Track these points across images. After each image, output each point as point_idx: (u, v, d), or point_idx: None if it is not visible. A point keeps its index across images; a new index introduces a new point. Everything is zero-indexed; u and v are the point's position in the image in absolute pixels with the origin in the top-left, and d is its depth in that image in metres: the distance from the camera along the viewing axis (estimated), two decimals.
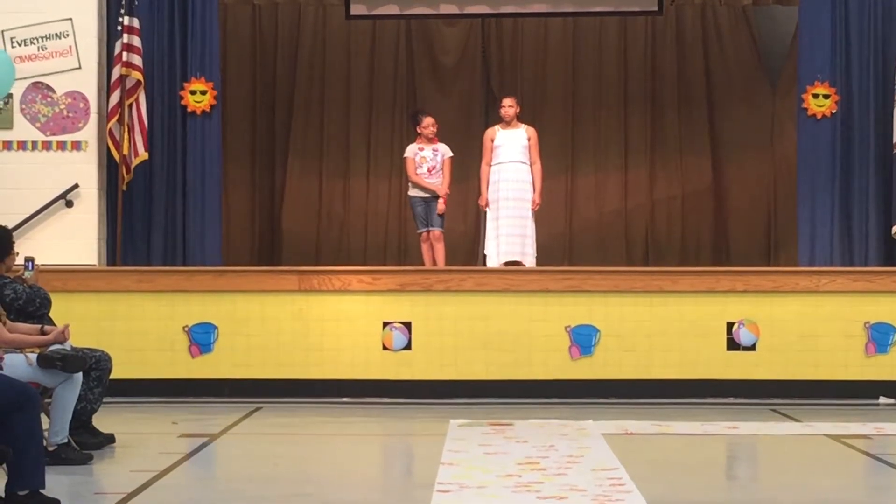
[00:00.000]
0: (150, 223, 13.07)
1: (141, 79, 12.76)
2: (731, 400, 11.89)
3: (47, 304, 8.92)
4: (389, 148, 15.97)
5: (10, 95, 12.54)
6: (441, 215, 13.09)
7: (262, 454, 9.10)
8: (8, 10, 12.73)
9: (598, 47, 16.30)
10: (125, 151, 12.73)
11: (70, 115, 12.80)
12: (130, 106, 12.75)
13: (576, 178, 16.20)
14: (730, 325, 12.02)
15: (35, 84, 12.79)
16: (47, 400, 8.22)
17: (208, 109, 13.09)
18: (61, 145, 12.78)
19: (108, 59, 12.92)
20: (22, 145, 12.77)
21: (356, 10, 14.50)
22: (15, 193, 12.58)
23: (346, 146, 16.24)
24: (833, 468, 8.58)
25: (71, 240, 12.63)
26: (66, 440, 8.21)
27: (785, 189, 15.12)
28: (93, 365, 8.70)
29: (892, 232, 12.83)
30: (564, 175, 16.02)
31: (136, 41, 12.76)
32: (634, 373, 12.02)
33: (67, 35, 12.79)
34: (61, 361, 8.05)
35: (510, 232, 12.80)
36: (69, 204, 12.72)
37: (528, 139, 12.98)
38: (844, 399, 11.81)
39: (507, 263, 12.74)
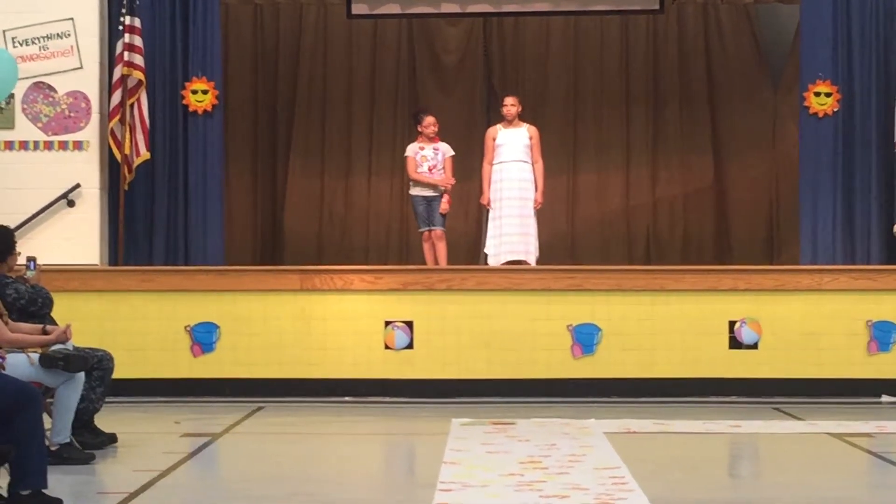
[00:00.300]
0: (152, 223, 13.07)
1: (142, 78, 12.76)
2: (734, 398, 11.88)
3: (49, 303, 8.92)
4: (391, 147, 15.96)
5: (11, 95, 12.54)
6: (443, 214, 13.08)
7: (264, 453, 9.10)
8: (9, 9, 12.73)
9: (599, 46, 16.30)
10: (127, 151, 12.73)
11: (72, 114, 12.81)
12: (132, 105, 12.75)
13: (577, 177, 16.19)
14: (732, 324, 12.02)
15: (37, 84, 12.79)
16: (49, 400, 8.22)
17: (210, 109, 13.09)
18: (63, 145, 12.79)
19: (110, 58, 12.92)
20: (24, 145, 12.77)
21: (357, 9, 14.49)
22: (17, 193, 12.58)
23: (348, 145, 16.24)
24: (835, 466, 8.58)
25: (73, 239, 12.64)
26: (68, 440, 8.21)
27: (787, 187, 15.11)
28: (95, 364, 8.70)
29: (894, 230, 12.83)
30: (566, 174, 16.02)
31: (138, 41, 12.76)
32: (636, 371, 12.02)
33: (69, 35, 12.79)
34: (63, 361, 8.05)
35: (512, 231, 12.80)
36: (71, 204, 12.72)
37: (530, 138, 12.98)
38: (847, 397, 11.80)
39: (509, 262, 12.74)
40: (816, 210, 13.00)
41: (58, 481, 6.94)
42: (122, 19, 12.74)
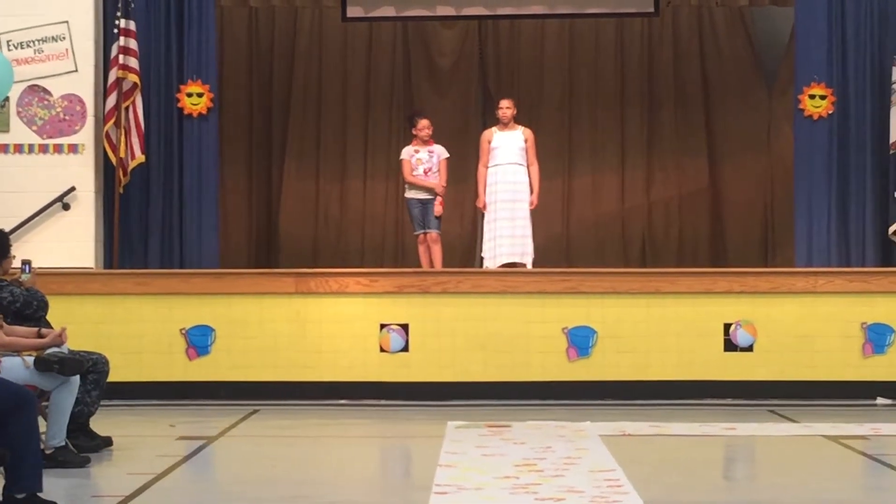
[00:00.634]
0: (147, 226, 13.07)
1: (137, 81, 12.76)
2: (729, 401, 11.89)
3: (44, 306, 8.91)
4: (386, 150, 15.97)
5: (7, 98, 12.54)
6: (438, 217, 13.09)
7: (259, 456, 9.10)
8: (4, 13, 12.73)
9: (594, 49, 16.32)
10: (122, 154, 12.73)
11: (67, 117, 12.80)
12: (127, 109, 12.74)
13: (573, 180, 16.21)
14: (727, 326, 12.03)
15: (32, 87, 12.79)
16: (45, 403, 8.21)
17: (205, 112, 13.09)
18: (58, 148, 12.78)
19: (105, 61, 12.92)
20: (19, 148, 12.76)
21: (353, 12, 14.49)
22: (12, 196, 12.58)
23: (343, 148, 16.25)
24: (830, 469, 8.58)
25: (68, 242, 12.63)
26: (63, 443, 8.20)
27: (782, 190, 15.13)
28: (90, 368, 8.70)
29: (890, 232, 12.84)
30: (561, 176, 16.03)
31: (133, 44, 12.76)
32: (632, 374, 12.02)
33: (64, 38, 12.79)
34: (58, 364, 8.05)
35: (507, 233, 12.80)
36: (66, 207, 12.72)
37: (526, 140, 12.99)
38: (842, 400, 11.81)
39: (505, 265, 12.74)
40: (811, 212, 13.02)
41: (53, 485, 6.94)
42: (117, 22, 12.73)
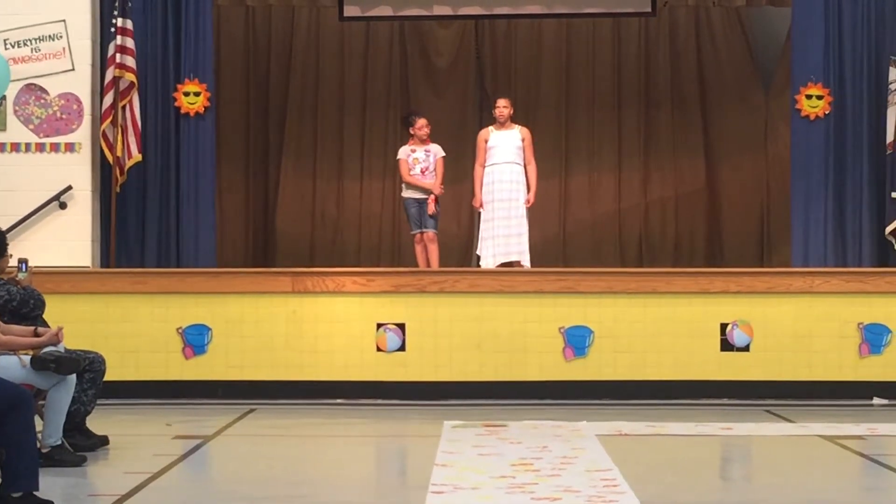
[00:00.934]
0: (144, 225, 13.06)
1: (134, 80, 12.76)
2: (725, 401, 11.89)
3: (41, 305, 8.91)
4: (383, 149, 15.98)
5: (3, 97, 12.53)
6: (434, 216, 13.08)
7: (256, 456, 9.09)
8: (1, 11, 12.72)
9: (591, 48, 16.32)
10: (119, 153, 12.72)
11: (63, 116, 12.80)
12: (124, 108, 12.74)
13: (569, 180, 16.22)
14: (723, 326, 12.03)
15: (28, 86, 12.78)
16: (41, 402, 8.21)
17: (202, 111, 13.09)
18: (55, 147, 12.78)
19: (102, 60, 12.91)
20: (15, 147, 12.76)
21: (350, 11, 14.49)
22: (8, 195, 12.58)
23: (340, 147, 16.25)
24: (827, 469, 8.58)
25: (64, 241, 12.63)
26: (59, 442, 8.20)
27: (778, 190, 15.14)
28: (86, 367, 8.69)
29: (886, 232, 12.85)
30: (558, 176, 16.03)
31: (130, 43, 12.76)
32: (628, 374, 12.03)
33: (61, 37, 12.78)
34: (55, 363, 8.04)
35: (504, 233, 12.80)
36: (63, 206, 12.71)
37: (522, 140, 12.99)
38: (838, 400, 11.82)
39: (502, 264, 12.74)
40: (808, 212, 13.02)
41: (49, 483, 6.93)
42: (114, 21, 12.73)
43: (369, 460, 9.57)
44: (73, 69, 12.82)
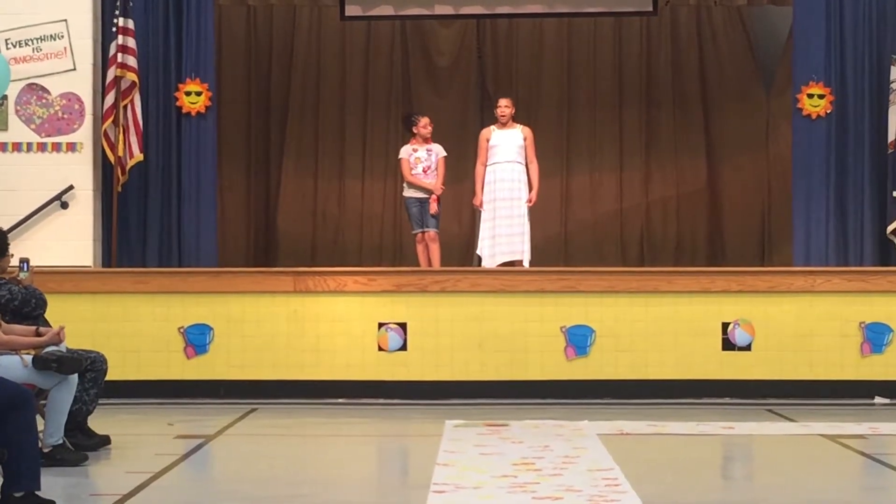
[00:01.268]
0: (146, 224, 13.06)
1: (136, 80, 12.75)
2: (727, 400, 11.89)
3: (43, 305, 8.91)
4: (384, 149, 15.97)
5: (4, 97, 12.54)
6: (435, 216, 13.08)
7: (257, 455, 9.10)
8: (2, 11, 12.72)
9: (592, 48, 16.32)
10: (120, 153, 12.72)
11: (65, 116, 12.80)
12: (125, 107, 12.74)
13: (571, 179, 16.21)
14: (725, 326, 12.03)
15: (30, 85, 12.78)
16: (42, 401, 8.21)
17: (203, 111, 13.08)
18: (56, 147, 12.78)
19: (103, 60, 12.91)
20: (17, 147, 12.76)
21: (351, 11, 14.49)
22: (10, 195, 12.58)
23: (341, 147, 16.25)
24: (828, 468, 8.58)
25: (66, 241, 12.63)
26: (61, 441, 8.20)
27: (780, 189, 15.13)
28: (88, 366, 8.69)
29: (888, 231, 12.84)
30: (559, 176, 16.02)
31: (131, 42, 12.75)
32: (630, 373, 12.02)
33: (62, 36, 12.78)
34: (57, 363, 8.05)
35: (505, 232, 12.80)
36: (64, 205, 12.71)
37: (525, 139, 12.99)
38: (840, 399, 11.82)
39: (503, 264, 12.74)
40: (809, 211, 13.02)
41: (51, 483, 6.93)
42: (115, 21, 12.73)
43: (371, 460, 9.57)
44: (74, 69, 12.81)
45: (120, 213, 12.90)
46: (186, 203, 13.06)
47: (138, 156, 12.80)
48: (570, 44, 16.35)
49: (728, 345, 12.02)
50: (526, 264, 12.75)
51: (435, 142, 13.30)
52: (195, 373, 12.05)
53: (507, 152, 12.92)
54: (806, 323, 12.00)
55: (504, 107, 13.09)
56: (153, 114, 13.09)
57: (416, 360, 12.04)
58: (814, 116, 13.05)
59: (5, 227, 9.77)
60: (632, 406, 11.55)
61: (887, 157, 12.91)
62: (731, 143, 16.10)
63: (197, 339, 12.06)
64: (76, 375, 8.28)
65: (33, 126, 12.79)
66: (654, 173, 16.22)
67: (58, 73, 12.80)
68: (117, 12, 12.71)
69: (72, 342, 8.70)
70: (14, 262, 8.99)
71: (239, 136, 15.96)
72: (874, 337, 12.00)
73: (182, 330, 12.06)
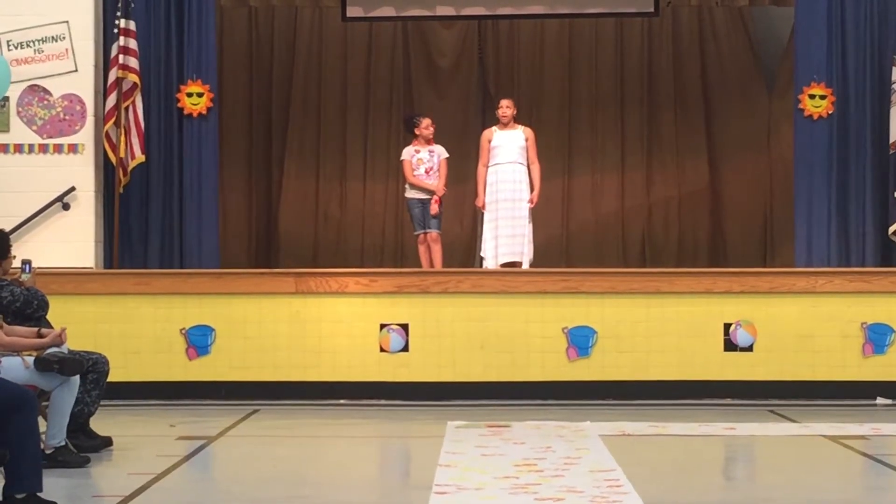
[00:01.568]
0: (147, 226, 13.07)
1: (137, 81, 12.76)
2: (729, 401, 11.89)
3: (44, 306, 8.91)
4: (386, 150, 15.98)
5: (6, 98, 12.54)
6: (437, 217, 13.09)
7: (259, 456, 9.10)
8: (4, 12, 12.73)
9: (594, 49, 16.32)
10: (122, 154, 12.73)
11: (66, 117, 12.80)
12: (127, 108, 12.74)
13: (572, 180, 16.21)
14: (727, 326, 12.03)
15: (31, 87, 12.79)
16: (44, 403, 8.22)
17: (205, 112, 13.09)
18: (58, 148, 12.78)
19: (105, 61, 12.92)
20: (18, 148, 12.76)
21: (352, 12, 14.49)
22: (12, 196, 12.58)
23: (343, 148, 16.25)
24: (830, 469, 8.58)
25: (68, 242, 12.63)
26: (63, 443, 8.21)
27: (782, 190, 15.13)
28: (90, 367, 8.70)
29: (890, 232, 12.84)
30: (561, 176, 16.02)
31: (133, 44, 12.76)
32: (632, 374, 12.02)
33: (64, 38, 12.79)
34: (59, 364, 8.05)
35: (507, 233, 12.81)
36: (66, 207, 12.72)
37: (526, 140, 12.99)
38: (842, 400, 11.81)
39: (504, 265, 12.75)
40: (811, 212, 13.02)
41: (53, 485, 6.94)
42: (116, 22, 12.73)
43: (373, 461, 9.57)
44: (76, 70, 12.82)
45: (121, 214, 12.91)
46: (188, 204, 13.07)
47: (140, 157, 12.80)
48: (571, 45, 16.35)
49: (730, 345, 12.02)
50: (527, 266, 12.75)
51: (437, 143, 13.31)
52: (197, 374, 12.05)
53: (508, 153, 12.93)
54: (808, 324, 12.00)
55: (505, 108, 13.09)
56: (155, 115, 13.10)
57: (418, 362, 12.04)
58: (815, 117, 13.05)
59: (7, 229, 9.77)
60: (633, 407, 11.55)
61: (889, 158, 12.92)
62: (732, 143, 16.10)
63: (199, 341, 12.06)
64: (78, 377, 8.28)
65: (35, 127, 12.79)
66: (656, 174, 16.22)
67: (59, 74, 12.80)
68: (119, 14, 12.72)
69: (73, 343, 8.71)
70: (16, 263, 9.00)
71: (240, 138, 15.96)
72: (876, 338, 12.00)
73: (184, 331, 12.06)
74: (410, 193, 13.24)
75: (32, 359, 8.05)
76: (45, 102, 12.79)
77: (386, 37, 16.25)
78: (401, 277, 12.27)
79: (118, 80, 12.70)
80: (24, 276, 8.98)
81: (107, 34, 12.97)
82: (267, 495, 7.36)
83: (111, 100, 12.72)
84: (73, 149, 12.79)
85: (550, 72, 16.30)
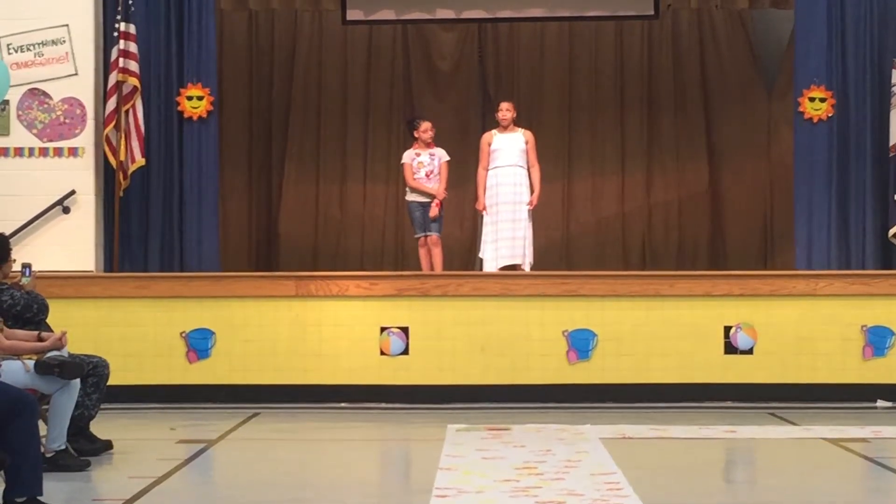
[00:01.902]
0: (147, 229, 13.06)
1: (137, 85, 12.75)
2: (729, 404, 11.89)
3: (45, 310, 8.91)
4: (386, 153, 15.97)
5: (6, 102, 12.54)
6: (436, 220, 13.08)
7: (259, 460, 9.10)
8: (4, 16, 12.73)
9: (594, 52, 16.31)
10: (122, 157, 12.73)
11: (67, 121, 12.80)
12: (127, 112, 12.74)
13: (573, 183, 16.20)
14: (727, 329, 12.03)
15: (32, 90, 12.78)
16: (45, 406, 8.21)
17: (205, 115, 13.09)
18: (58, 151, 12.78)
19: (105, 65, 12.91)
20: (19, 152, 12.77)
21: (352, 15, 14.49)
22: (12, 200, 12.58)
23: (343, 151, 16.24)
24: (831, 471, 8.58)
25: (68, 246, 12.63)
26: (63, 447, 8.21)
27: (782, 192, 15.12)
28: (90, 371, 8.70)
29: (890, 235, 12.84)
30: (561, 179, 16.01)
31: (133, 47, 12.76)
32: (632, 377, 12.02)
33: (64, 41, 12.79)
34: (59, 368, 8.05)
35: (507, 236, 12.80)
36: (66, 210, 12.71)
37: (526, 142, 12.99)
38: (842, 402, 11.81)
39: (504, 268, 12.74)
40: (811, 215, 13.02)
41: (53, 488, 6.94)
42: (116, 25, 12.73)
43: (373, 464, 9.57)
44: (76, 74, 12.82)
45: (122, 217, 12.90)
46: (188, 207, 13.07)
47: (140, 160, 12.80)
48: (571, 47, 16.34)
49: (730, 348, 12.02)
50: (527, 269, 12.75)
51: (437, 146, 13.30)
52: (197, 377, 12.05)
53: (508, 156, 12.93)
54: (808, 326, 12.00)
55: (505, 110, 13.09)
56: (155, 118, 13.09)
57: (418, 364, 12.04)
58: (815, 120, 13.05)
59: (7, 233, 9.81)
60: (634, 410, 11.55)
61: (889, 161, 12.91)
62: (732, 146, 16.09)
63: (199, 344, 12.06)
64: (78, 380, 8.28)
65: (35, 131, 12.79)
66: (656, 177, 16.21)
67: (59, 77, 12.80)
68: (119, 17, 12.71)
69: (74, 347, 8.71)
70: (16, 267, 9.00)
71: (241, 141, 15.95)
72: (876, 340, 12.00)
73: (184, 335, 12.06)
74: (411, 197, 13.24)
75: (33, 362, 8.06)
76: (46, 106, 12.79)
77: (386, 40, 16.25)
78: (401, 280, 12.27)
79: (118, 84, 12.70)
80: (25, 280, 8.98)
81: (107, 37, 12.97)
82: (267, 498, 7.36)
83: (111, 103, 12.72)
84: (74, 152, 12.79)
85: (550, 75, 16.29)
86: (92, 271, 12.63)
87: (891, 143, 12.84)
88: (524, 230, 12.84)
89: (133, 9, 12.79)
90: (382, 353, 12.06)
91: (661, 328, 12.01)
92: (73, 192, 12.72)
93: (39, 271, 9.49)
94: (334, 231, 16.15)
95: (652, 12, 14.59)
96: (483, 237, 13.13)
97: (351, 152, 16.22)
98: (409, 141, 13.56)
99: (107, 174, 12.94)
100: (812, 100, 13.04)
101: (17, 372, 7.93)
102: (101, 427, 9.05)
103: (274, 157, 16.30)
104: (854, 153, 13.11)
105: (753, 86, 16.13)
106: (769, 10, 15.35)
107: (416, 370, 12.03)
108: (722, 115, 16.17)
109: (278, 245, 16.08)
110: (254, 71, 16.25)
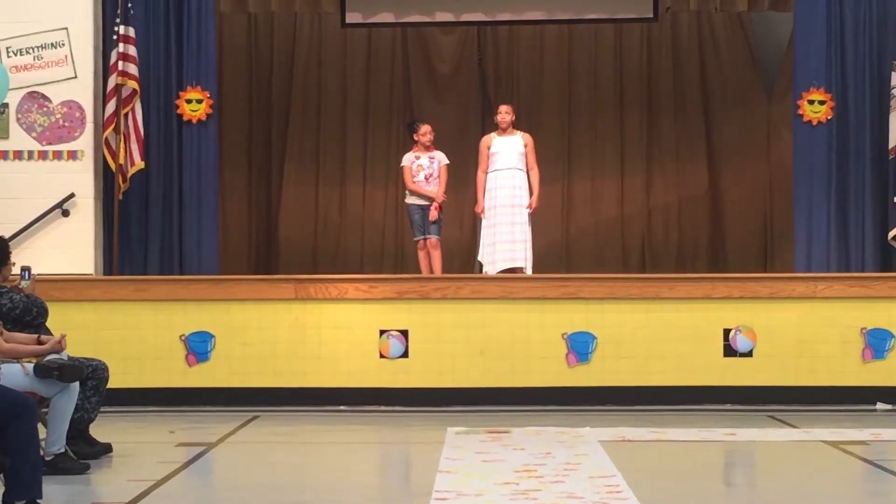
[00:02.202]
0: (147, 232, 13.07)
1: (137, 88, 12.76)
2: (729, 406, 11.88)
3: (44, 313, 8.91)
4: (386, 155, 15.98)
5: (5, 105, 12.55)
6: (436, 222, 13.09)
7: (259, 463, 9.10)
8: (4, 19, 12.74)
9: (593, 54, 16.32)
10: (121, 160, 12.73)
11: (66, 124, 12.81)
12: (126, 115, 12.75)
13: (572, 185, 16.22)
14: (727, 332, 12.02)
15: (31, 93, 12.79)
16: (44, 409, 8.21)
17: (204, 118, 13.09)
18: (57, 155, 12.79)
19: (104, 68, 12.92)
20: (18, 155, 12.77)
21: (352, 18, 14.50)
22: (11, 203, 12.58)
23: (343, 154, 16.25)
24: (830, 474, 8.58)
25: (67, 249, 12.63)
26: (63, 450, 8.20)
27: (781, 195, 15.13)
28: (90, 374, 8.70)
29: (889, 237, 12.85)
30: (561, 182, 16.03)
31: (132, 50, 12.76)
32: (631, 379, 12.02)
33: (63, 44, 12.79)
34: (58, 371, 8.05)
35: (507, 239, 12.80)
36: (65, 213, 12.72)
37: (525, 145, 13.00)
38: (841, 405, 11.81)
39: (504, 271, 12.74)
40: (810, 217, 13.03)
41: (53, 491, 6.94)
42: (116, 28, 12.74)
43: (373, 467, 9.57)
44: (75, 77, 12.82)
45: (121, 220, 12.91)
46: (188, 210, 13.07)
47: (139, 163, 12.81)
48: (570, 50, 16.35)
49: (730, 351, 12.02)
50: (528, 271, 12.75)
51: (436, 149, 13.31)
52: (197, 380, 12.05)
53: (507, 159, 12.93)
54: (807, 329, 11.99)
55: (504, 113, 13.09)
56: (154, 121, 13.10)
57: (418, 367, 12.03)
58: (815, 122, 13.06)
59: (6, 236, 9.79)
60: (633, 412, 11.55)
61: (888, 163, 12.92)
62: (732, 148, 16.10)
63: (198, 347, 12.06)
64: (78, 383, 8.28)
65: (34, 134, 12.80)
66: (656, 179, 16.22)
67: (59, 81, 12.81)
68: (118, 20, 12.73)
69: (73, 350, 8.71)
70: (15, 270, 9.00)
71: (240, 144, 15.96)
72: (876, 343, 12.00)
73: (183, 338, 12.06)
74: (410, 200, 13.24)
75: (32, 366, 8.06)
76: (45, 109, 12.80)
77: (385, 43, 16.26)
78: (400, 283, 12.27)
79: (117, 87, 12.71)
80: (24, 283, 8.98)
81: (106, 40, 12.98)
82: (267, 501, 7.36)
83: (111, 106, 12.72)
84: (73, 155, 12.80)
85: (550, 77, 16.30)
86: (91, 274, 12.63)
87: (890, 146, 12.84)
88: (523, 233, 12.84)
89: (132, 12, 12.80)
90: (382, 355, 12.06)
91: (660, 331, 12.01)
92: (72, 195, 12.72)
93: (39, 274, 9.50)
94: (334, 234, 16.16)
95: (651, 15, 14.60)
96: (482, 240, 13.14)
97: (350, 155, 16.23)
98: (409, 144, 13.57)
99: (106, 177, 12.95)
100: (811, 102, 13.05)
101: (17, 375, 7.93)
102: (100, 430, 9.05)
103: (273, 159, 16.31)
104: (853, 155, 13.12)
105: (753, 88, 16.14)
106: (768, 12, 15.35)
107: (415, 373, 12.03)
108: (721, 117, 16.18)
109: (278, 247, 16.09)
110: (253, 73, 16.26)
